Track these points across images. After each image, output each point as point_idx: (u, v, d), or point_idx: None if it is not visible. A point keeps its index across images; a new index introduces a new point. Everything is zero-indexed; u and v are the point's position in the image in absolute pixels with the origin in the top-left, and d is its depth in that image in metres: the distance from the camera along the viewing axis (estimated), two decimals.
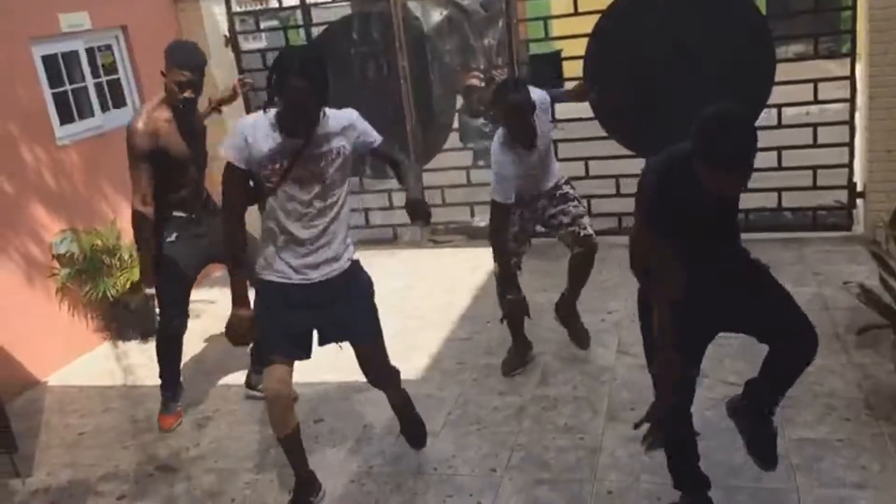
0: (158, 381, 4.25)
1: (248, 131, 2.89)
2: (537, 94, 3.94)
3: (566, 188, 4.20)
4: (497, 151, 3.90)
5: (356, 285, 3.17)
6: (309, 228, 2.99)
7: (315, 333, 3.19)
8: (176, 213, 4.05)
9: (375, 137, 3.10)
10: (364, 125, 3.07)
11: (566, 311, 4.39)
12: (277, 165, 2.88)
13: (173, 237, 4.05)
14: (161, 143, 3.88)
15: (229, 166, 2.92)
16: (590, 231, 4.14)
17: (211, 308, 5.63)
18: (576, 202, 4.19)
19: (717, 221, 2.76)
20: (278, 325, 3.07)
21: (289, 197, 2.94)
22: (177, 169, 3.98)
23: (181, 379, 4.33)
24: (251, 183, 2.98)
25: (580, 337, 4.41)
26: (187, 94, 3.85)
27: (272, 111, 2.89)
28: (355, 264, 3.17)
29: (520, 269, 4.22)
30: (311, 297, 3.06)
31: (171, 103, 3.89)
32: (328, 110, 2.92)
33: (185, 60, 3.85)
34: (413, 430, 3.62)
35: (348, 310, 3.14)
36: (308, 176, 2.92)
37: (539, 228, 4.32)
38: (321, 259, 3.03)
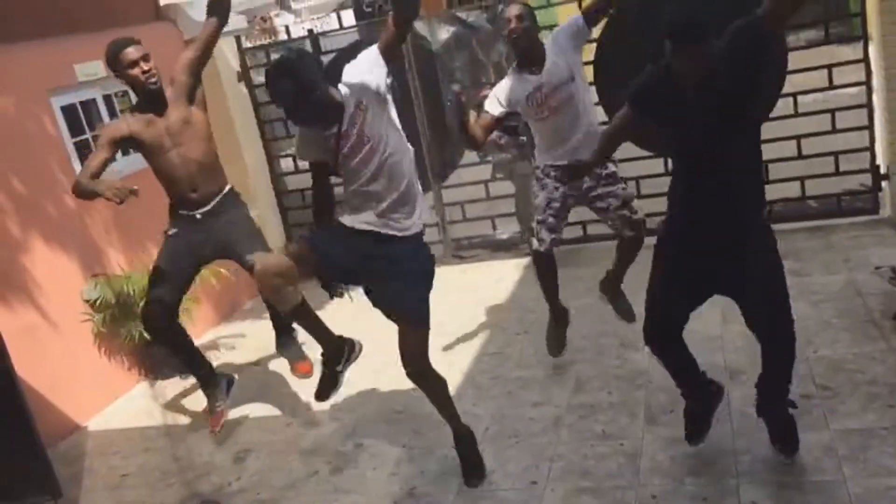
0: (196, 417, 4.28)
1: (302, 131, 3.28)
2: (553, 36, 3.98)
3: (612, 167, 4.09)
4: (505, 80, 3.99)
5: (415, 258, 3.31)
6: (376, 182, 3.18)
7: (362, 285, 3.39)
8: (181, 211, 4.12)
9: (375, 50, 3.18)
10: (364, 62, 3.17)
11: (612, 289, 4.40)
12: (330, 143, 3.15)
13: (172, 231, 4.14)
14: (133, 133, 3.97)
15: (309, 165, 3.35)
16: (640, 215, 4.13)
17: (243, 341, 5.67)
18: (624, 184, 4.14)
19: (710, 138, 2.87)
20: (326, 250, 3.27)
21: (351, 171, 3.18)
22: (161, 165, 4.04)
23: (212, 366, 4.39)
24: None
25: (626, 312, 4.39)
26: (142, 66, 3.86)
27: None
28: (419, 236, 3.33)
29: (557, 247, 4.17)
30: (372, 248, 3.25)
31: (139, 95, 3.98)
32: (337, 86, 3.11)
33: (122, 43, 3.91)
34: (468, 464, 3.57)
35: (399, 279, 3.27)
36: (356, 143, 3.13)
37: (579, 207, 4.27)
38: (396, 214, 3.22)
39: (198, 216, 4.10)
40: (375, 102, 3.16)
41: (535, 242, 4.14)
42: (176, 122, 4.01)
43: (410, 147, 3.32)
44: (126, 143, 4.04)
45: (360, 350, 3.71)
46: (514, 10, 3.86)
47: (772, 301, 3.01)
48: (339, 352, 3.66)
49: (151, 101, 3.98)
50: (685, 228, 3.06)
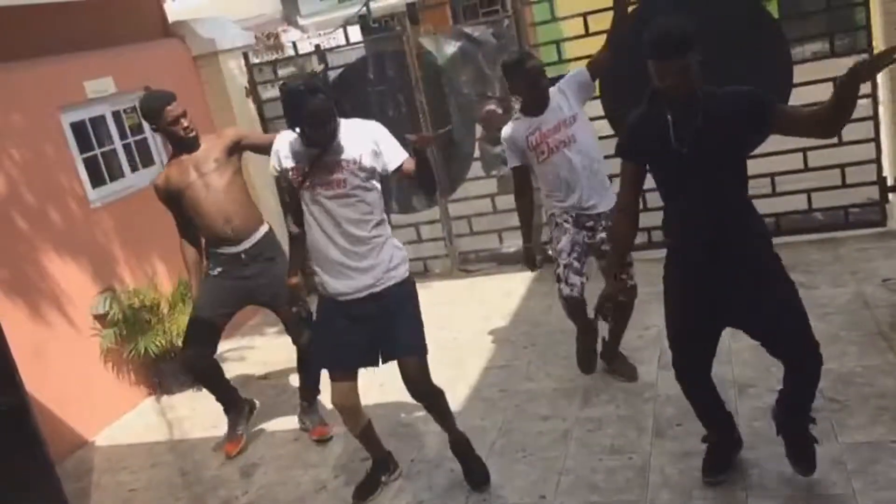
0: (204, 432, 4.29)
1: (277, 144, 3.35)
2: (572, 73, 4.08)
3: None
4: (508, 125, 4.11)
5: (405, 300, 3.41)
6: (343, 237, 3.26)
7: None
8: (221, 251, 4.15)
9: (395, 158, 3.27)
10: (385, 141, 3.28)
11: (610, 355, 4.38)
12: (300, 165, 3.24)
13: (216, 271, 4.18)
14: (172, 188, 4.10)
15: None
16: (634, 281, 4.15)
17: (251, 355, 5.68)
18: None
19: (697, 168, 2.84)
20: (331, 339, 3.40)
21: (316, 202, 3.23)
22: (193, 208, 4.12)
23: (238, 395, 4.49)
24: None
25: (628, 374, 4.32)
26: (182, 122, 4.01)
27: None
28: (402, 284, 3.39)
29: (581, 294, 4.09)
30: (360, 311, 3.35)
31: (175, 145, 4.09)
32: (347, 122, 3.24)
33: (162, 99, 4.02)
34: (469, 468, 3.63)
35: (397, 327, 3.37)
36: (329, 181, 3.20)
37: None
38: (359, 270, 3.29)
39: (242, 256, 4.15)
40: (371, 176, 3.28)
41: (564, 289, 4.04)
42: (204, 156, 4.11)
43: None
44: (170, 194, 4.16)
45: (401, 473, 3.83)
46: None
47: (794, 325, 2.93)
48: (388, 466, 3.78)
49: (186, 147, 4.11)
50: (683, 259, 3.04)
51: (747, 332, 3.09)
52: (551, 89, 4.02)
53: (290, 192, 3.39)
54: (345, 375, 3.42)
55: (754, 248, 2.94)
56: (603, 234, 4.04)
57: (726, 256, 2.91)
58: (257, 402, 4.63)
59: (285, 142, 3.32)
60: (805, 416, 3.11)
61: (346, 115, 3.31)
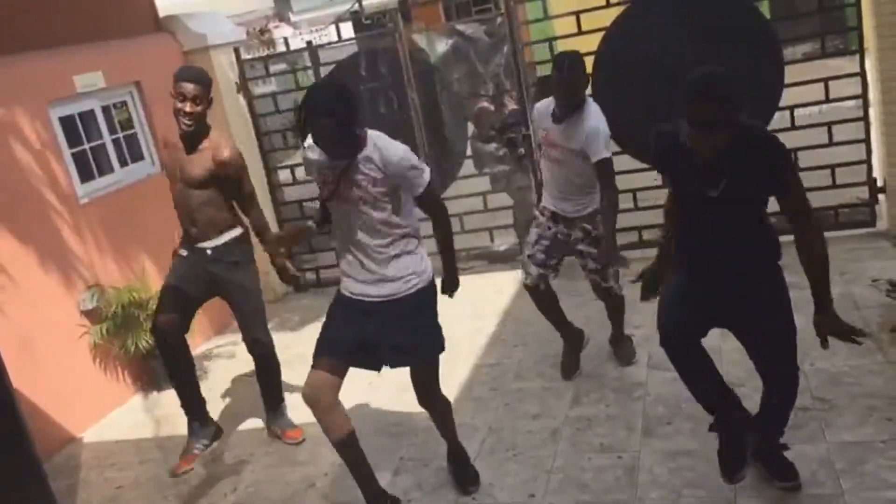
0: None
1: (308, 152, 3.24)
2: (601, 123, 3.96)
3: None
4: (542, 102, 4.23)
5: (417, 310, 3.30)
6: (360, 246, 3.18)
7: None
8: (196, 246, 4.13)
9: (419, 184, 3.12)
10: (410, 170, 3.09)
11: (614, 341, 4.55)
12: (328, 177, 3.15)
13: (183, 252, 4.16)
14: (165, 161, 4.17)
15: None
16: (610, 283, 4.24)
17: (239, 352, 5.65)
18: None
19: (719, 205, 2.81)
20: (327, 329, 3.30)
21: (337, 209, 3.18)
22: (176, 191, 4.10)
23: (206, 408, 4.28)
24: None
25: (621, 356, 4.48)
26: (182, 105, 3.87)
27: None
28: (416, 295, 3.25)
29: (545, 285, 4.30)
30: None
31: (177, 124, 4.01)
32: (378, 138, 3.10)
33: (187, 74, 3.97)
34: (459, 476, 3.62)
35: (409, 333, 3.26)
36: (349, 196, 3.10)
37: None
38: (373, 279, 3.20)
39: (208, 252, 4.11)
40: (388, 195, 3.12)
41: (523, 277, 4.33)
42: (195, 165, 4.01)
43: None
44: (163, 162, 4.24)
45: None
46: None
47: (782, 357, 2.96)
48: (384, 498, 3.43)
49: (186, 136, 4.02)
50: (689, 266, 3.05)
51: (737, 338, 3.12)
52: (591, 108, 4.00)
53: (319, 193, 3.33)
54: (324, 364, 3.19)
55: (762, 274, 2.94)
56: (578, 234, 4.15)
57: (734, 276, 2.91)
58: (223, 431, 4.36)
59: (316, 150, 3.19)
60: (777, 438, 3.12)
61: None
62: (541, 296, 4.33)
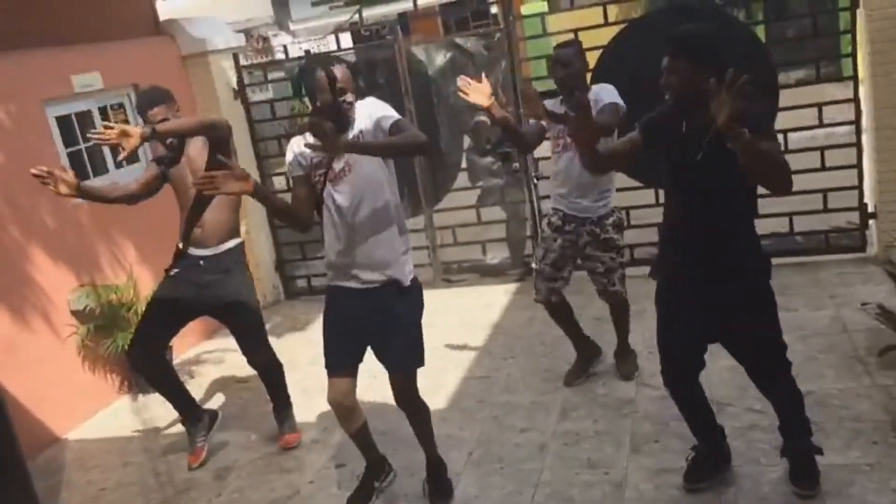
0: (177, 432, 4.25)
1: (292, 146, 3.37)
2: (605, 89, 4.03)
3: (613, 233, 4.20)
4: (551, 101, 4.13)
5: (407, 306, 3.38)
6: (347, 227, 3.25)
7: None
8: (191, 251, 4.10)
9: (391, 115, 3.22)
10: (379, 106, 3.25)
11: (619, 354, 4.53)
12: (316, 160, 3.27)
13: (174, 272, 4.14)
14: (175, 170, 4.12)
15: (292, 178, 3.41)
16: (617, 287, 4.25)
17: (230, 356, 5.63)
18: (615, 252, 4.23)
19: (701, 174, 2.90)
20: (333, 335, 3.39)
21: (331, 196, 3.26)
22: (177, 196, 4.12)
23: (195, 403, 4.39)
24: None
25: (622, 370, 4.47)
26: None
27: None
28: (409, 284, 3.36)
29: (558, 297, 4.32)
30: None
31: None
32: (365, 106, 3.24)
33: (147, 98, 3.98)
34: (434, 489, 3.61)
35: (395, 333, 3.33)
36: (341, 168, 3.22)
37: (578, 261, 4.36)
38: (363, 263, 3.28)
39: (201, 262, 4.08)
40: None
41: (534, 294, 4.38)
42: (195, 163, 4.02)
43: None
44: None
45: (395, 476, 3.77)
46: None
47: (769, 363, 3.09)
48: (382, 469, 3.71)
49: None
50: (673, 267, 3.11)
51: (725, 347, 3.20)
52: (596, 90, 4.04)
53: (308, 187, 3.35)
54: (342, 372, 3.38)
55: (748, 281, 3.00)
56: (585, 238, 4.18)
57: (718, 278, 2.97)
58: (220, 413, 4.52)
59: (296, 144, 3.35)
60: (803, 434, 3.21)
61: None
62: (554, 308, 4.36)
